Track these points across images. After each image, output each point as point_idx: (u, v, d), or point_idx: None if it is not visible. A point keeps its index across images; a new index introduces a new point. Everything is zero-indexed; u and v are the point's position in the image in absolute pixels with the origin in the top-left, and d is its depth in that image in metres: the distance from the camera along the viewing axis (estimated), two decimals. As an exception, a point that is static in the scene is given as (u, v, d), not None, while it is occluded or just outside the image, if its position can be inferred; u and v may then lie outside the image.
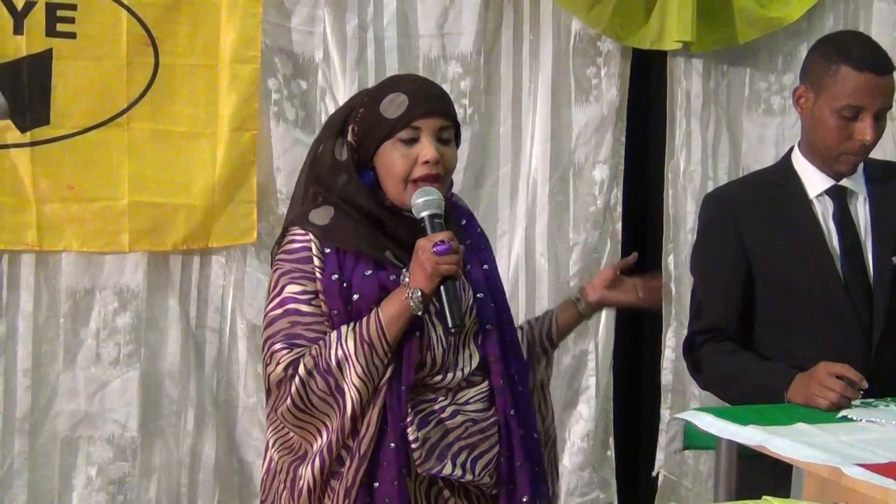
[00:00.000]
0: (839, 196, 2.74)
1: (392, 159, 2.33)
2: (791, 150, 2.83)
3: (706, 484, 3.83)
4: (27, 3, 3.30)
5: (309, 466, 2.30)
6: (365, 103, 2.39)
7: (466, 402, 2.36)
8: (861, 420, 2.36)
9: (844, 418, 2.39)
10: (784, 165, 2.81)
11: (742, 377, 2.69)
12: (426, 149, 2.31)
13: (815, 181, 2.75)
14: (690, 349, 2.83)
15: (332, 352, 2.26)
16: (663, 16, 3.73)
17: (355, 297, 2.30)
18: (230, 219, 3.50)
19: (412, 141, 2.32)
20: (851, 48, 2.67)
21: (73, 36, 3.35)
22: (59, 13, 3.33)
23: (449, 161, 2.36)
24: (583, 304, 2.59)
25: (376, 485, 2.28)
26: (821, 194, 2.75)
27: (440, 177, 2.33)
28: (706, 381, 2.83)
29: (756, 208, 2.77)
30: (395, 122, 2.32)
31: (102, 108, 3.39)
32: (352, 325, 2.28)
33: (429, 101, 2.35)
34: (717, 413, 2.41)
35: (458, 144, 2.42)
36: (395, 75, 2.53)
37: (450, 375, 2.35)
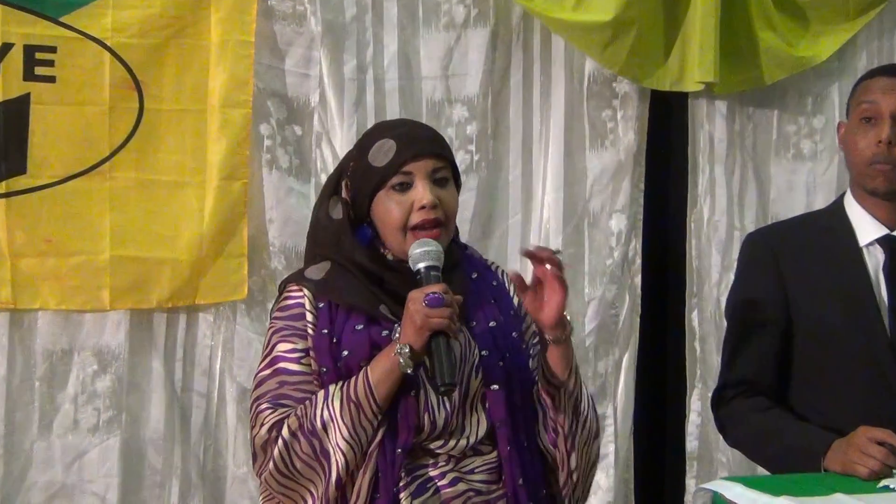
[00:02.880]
0: (892, 246, 2.71)
1: (387, 209, 2.30)
2: (843, 194, 2.82)
3: (737, 561, 3.71)
4: (4, 44, 3.26)
5: None
6: (353, 156, 2.39)
7: (471, 472, 2.29)
8: (903, 490, 2.31)
9: (885, 488, 2.33)
10: (835, 210, 2.81)
11: (775, 437, 2.64)
12: (420, 193, 2.28)
13: (867, 228, 2.73)
14: (719, 403, 2.80)
15: (318, 412, 2.21)
16: (684, 55, 3.71)
17: (345, 353, 2.26)
18: (219, 274, 3.45)
19: (405, 186, 2.29)
20: (875, 69, 2.85)
21: (52, 80, 3.31)
22: (38, 55, 3.30)
23: (449, 204, 2.32)
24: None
25: None
26: (872, 243, 2.72)
27: (441, 221, 2.29)
28: (735, 440, 2.80)
29: (801, 253, 2.75)
30: (385, 169, 2.30)
31: (83, 156, 3.35)
32: (340, 384, 2.23)
33: (418, 143, 2.33)
34: (748, 483, 2.34)
35: (458, 186, 2.38)
36: (381, 122, 2.58)
37: (452, 442, 2.27)
